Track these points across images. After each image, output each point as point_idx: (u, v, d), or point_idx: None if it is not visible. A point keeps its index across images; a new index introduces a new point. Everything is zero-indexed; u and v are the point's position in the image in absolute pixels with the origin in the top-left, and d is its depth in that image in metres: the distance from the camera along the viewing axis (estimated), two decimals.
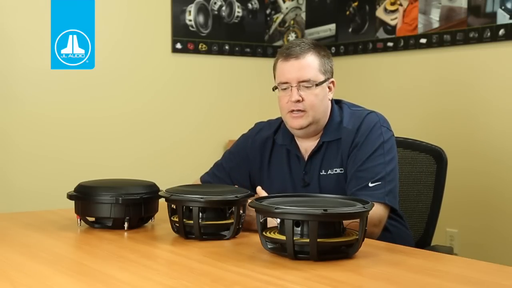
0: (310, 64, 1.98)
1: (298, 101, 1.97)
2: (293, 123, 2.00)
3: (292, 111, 1.99)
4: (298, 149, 2.08)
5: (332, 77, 2.05)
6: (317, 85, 1.98)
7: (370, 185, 1.90)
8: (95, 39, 3.12)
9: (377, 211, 1.85)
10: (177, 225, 1.75)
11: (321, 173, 2.02)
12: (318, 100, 1.99)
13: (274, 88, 2.05)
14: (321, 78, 2.00)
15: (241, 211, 1.75)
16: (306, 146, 2.07)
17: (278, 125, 2.15)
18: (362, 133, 1.98)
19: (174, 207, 1.77)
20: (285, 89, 2.00)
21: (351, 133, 1.99)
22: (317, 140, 2.05)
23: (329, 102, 2.05)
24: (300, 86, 1.98)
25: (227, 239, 1.73)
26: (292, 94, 1.98)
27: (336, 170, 2.01)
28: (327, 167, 2.02)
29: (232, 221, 1.74)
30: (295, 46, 2.00)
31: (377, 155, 1.95)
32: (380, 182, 1.91)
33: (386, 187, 1.91)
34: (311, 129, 2.02)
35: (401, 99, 3.80)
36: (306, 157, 2.06)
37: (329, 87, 2.04)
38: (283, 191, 2.03)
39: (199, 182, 2.23)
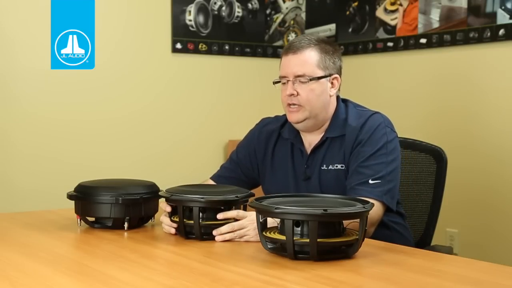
0: (307, 59, 2.01)
1: (292, 95, 2.00)
2: (290, 117, 2.04)
3: (289, 105, 2.02)
4: (302, 143, 2.11)
5: (336, 73, 2.07)
6: (311, 79, 2.00)
7: (371, 181, 1.92)
8: (95, 39, 3.12)
9: (375, 208, 1.86)
10: (177, 225, 1.75)
11: (322, 168, 2.04)
12: (314, 95, 2.01)
13: (275, 82, 2.08)
14: (319, 73, 2.01)
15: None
16: (310, 140, 2.09)
17: (285, 119, 2.18)
18: (366, 131, 2.00)
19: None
20: (284, 83, 2.04)
21: (355, 130, 2.01)
22: (321, 135, 2.07)
23: (332, 98, 2.07)
24: (296, 81, 2.00)
25: None
26: (287, 88, 2.01)
27: (337, 166, 2.03)
28: (328, 162, 2.04)
29: (233, 221, 1.74)
30: (297, 41, 2.04)
31: (380, 154, 1.96)
32: (380, 181, 1.93)
33: (385, 186, 1.93)
34: (310, 124, 2.05)
35: (401, 99, 3.80)
36: (309, 151, 2.09)
37: (332, 83, 2.05)
38: (285, 183, 2.08)
39: (209, 181, 2.25)
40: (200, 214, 1.71)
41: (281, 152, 2.14)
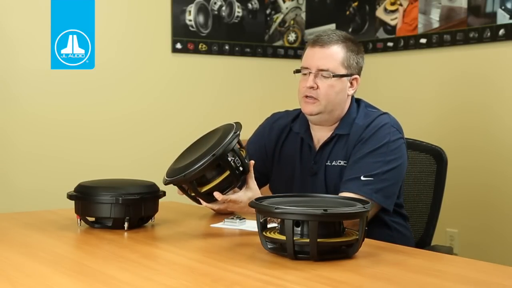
0: (333, 55, 2.02)
1: (312, 87, 2.02)
2: (305, 108, 2.06)
3: (306, 96, 2.03)
4: (311, 138, 2.12)
5: (357, 74, 2.08)
6: (334, 76, 2.01)
7: (362, 178, 1.92)
8: (95, 39, 3.12)
9: None
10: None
11: (327, 164, 2.06)
12: (333, 91, 2.02)
13: (296, 71, 2.10)
14: (342, 71, 2.03)
15: (232, 157, 1.78)
16: (320, 136, 2.11)
17: (297, 114, 2.19)
18: (370, 130, 2.01)
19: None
20: (305, 74, 2.05)
21: (360, 129, 2.03)
22: (331, 132, 2.08)
23: (348, 97, 2.08)
24: (318, 74, 2.02)
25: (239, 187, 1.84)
26: (308, 79, 2.03)
27: (340, 162, 2.04)
28: (333, 158, 2.06)
29: (228, 173, 1.78)
30: (325, 35, 2.05)
31: (379, 152, 1.97)
32: (372, 178, 1.92)
33: (377, 185, 1.92)
34: (323, 118, 2.06)
35: (401, 99, 3.80)
36: (317, 147, 2.10)
37: (351, 83, 2.07)
38: (292, 177, 2.09)
39: None
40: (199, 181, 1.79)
41: (290, 147, 2.16)
